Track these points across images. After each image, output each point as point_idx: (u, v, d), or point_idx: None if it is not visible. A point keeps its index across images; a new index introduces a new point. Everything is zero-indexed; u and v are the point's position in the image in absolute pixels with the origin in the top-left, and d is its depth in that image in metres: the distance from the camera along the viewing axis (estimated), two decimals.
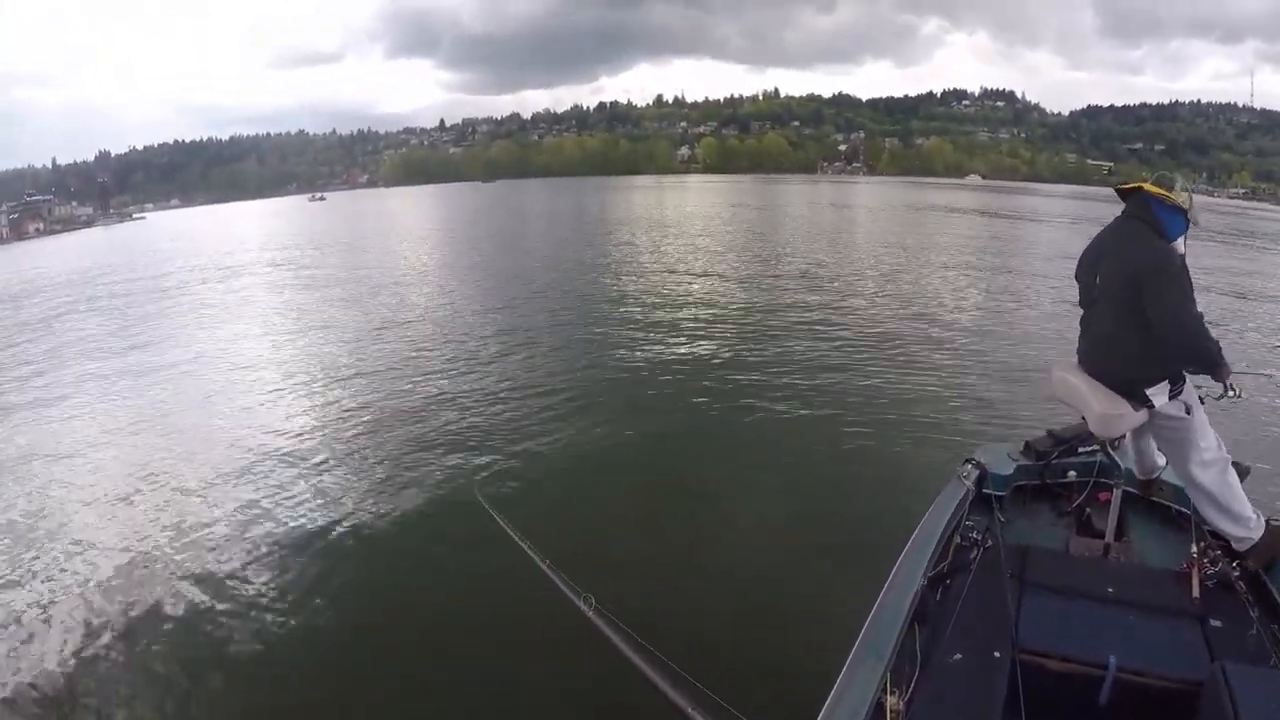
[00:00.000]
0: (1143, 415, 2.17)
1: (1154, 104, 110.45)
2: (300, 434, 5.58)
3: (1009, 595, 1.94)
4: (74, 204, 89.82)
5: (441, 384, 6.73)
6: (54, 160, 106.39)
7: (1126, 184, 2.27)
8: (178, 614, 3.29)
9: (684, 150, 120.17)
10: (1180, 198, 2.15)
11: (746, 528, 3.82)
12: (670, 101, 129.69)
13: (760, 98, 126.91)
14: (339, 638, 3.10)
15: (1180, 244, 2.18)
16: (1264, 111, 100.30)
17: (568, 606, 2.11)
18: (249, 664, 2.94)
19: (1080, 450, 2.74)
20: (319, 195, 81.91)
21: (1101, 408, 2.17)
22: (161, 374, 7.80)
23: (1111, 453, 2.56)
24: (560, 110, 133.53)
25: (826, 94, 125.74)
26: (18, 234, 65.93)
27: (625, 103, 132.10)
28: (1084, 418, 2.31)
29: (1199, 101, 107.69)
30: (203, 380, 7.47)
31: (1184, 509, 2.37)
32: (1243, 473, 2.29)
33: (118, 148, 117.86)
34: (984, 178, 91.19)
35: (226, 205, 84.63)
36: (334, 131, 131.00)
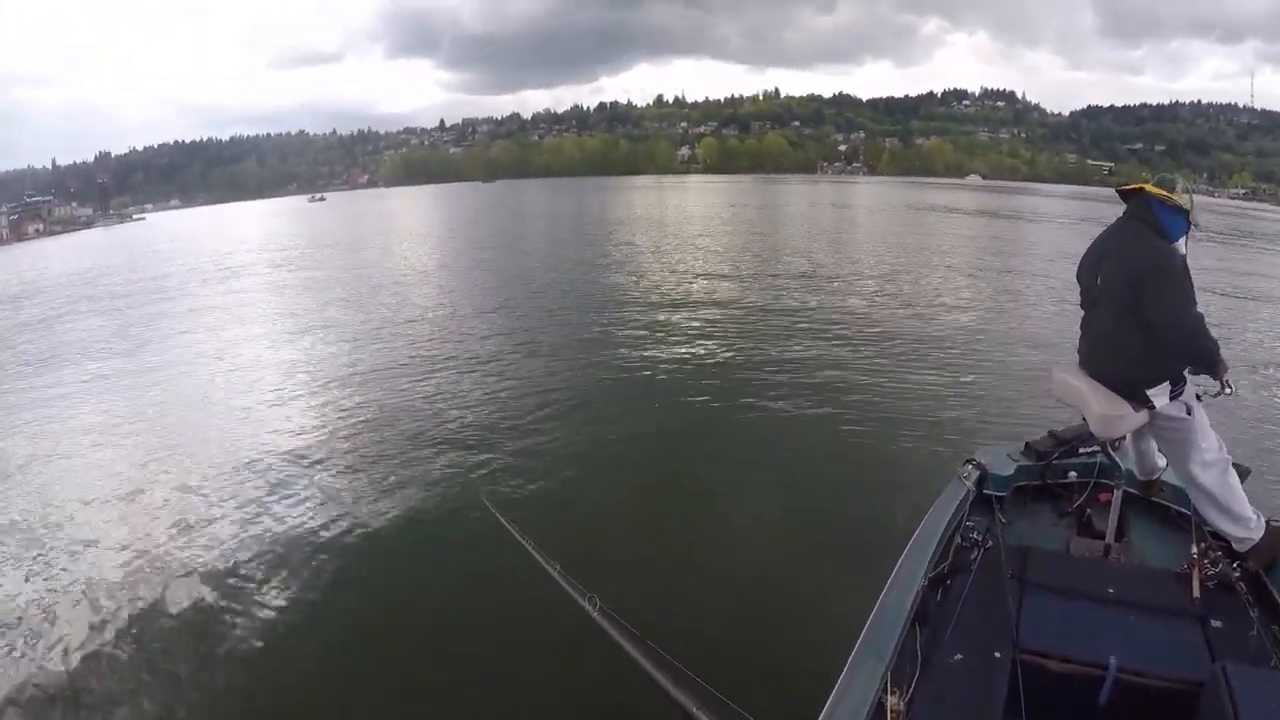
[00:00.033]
0: (1143, 416, 2.17)
1: (1154, 104, 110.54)
2: (301, 434, 5.58)
3: (1009, 596, 1.95)
4: (74, 205, 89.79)
5: (443, 384, 6.73)
6: (54, 161, 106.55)
7: (1128, 185, 2.28)
8: (177, 613, 3.29)
9: (684, 150, 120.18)
10: (1182, 199, 2.15)
11: (748, 528, 3.83)
12: (670, 101, 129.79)
13: (760, 98, 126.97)
14: (340, 638, 3.10)
15: (1181, 244, 2.18)
16: (1264, 112, 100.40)
17: (570, 606, 2.11)
18: (249, 663, 2.94)
19: (1081, 451, 2.74)
20: (319, 196, 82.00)
21: (1102, 408, 2.17)
22: (162, 375, 7.80)
23: (1112, 453, 2.56)
24: (560, 110, 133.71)
25: (827, 94, 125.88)
26: (17, 235, 65.97)
27: (625, 103, 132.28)
28: (1084, 418, 2.31)
29: (1199, 102, 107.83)
30: (203, 380, 7.47)
31: (1184, 510, 2.37)
32: (1243, 473, 2.29)
33: (118, 148, 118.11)
34: (984, 178, 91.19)
35: (226, 206, 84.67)
36: (334, 132, 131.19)
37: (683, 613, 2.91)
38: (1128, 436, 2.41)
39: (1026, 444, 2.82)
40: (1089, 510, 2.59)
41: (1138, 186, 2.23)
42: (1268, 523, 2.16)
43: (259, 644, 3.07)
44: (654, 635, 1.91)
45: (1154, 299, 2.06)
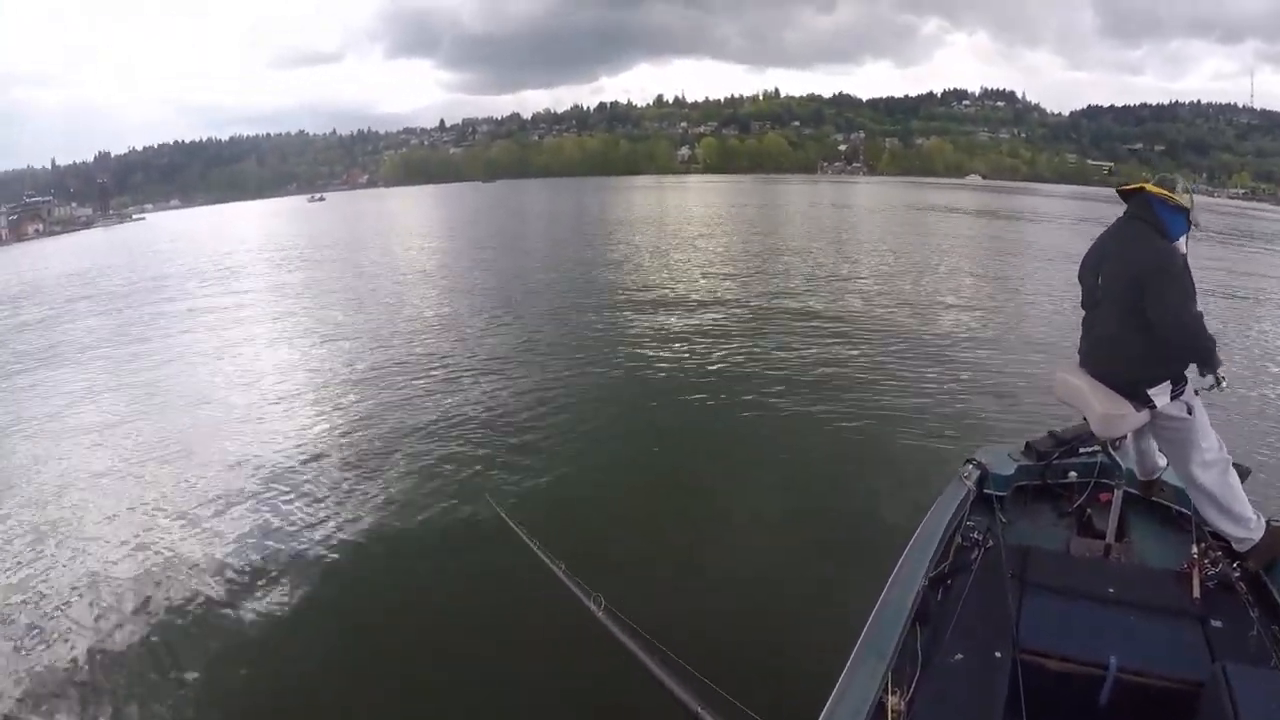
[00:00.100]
0: (1144, 416, 2.17)
1: (1154, 104, 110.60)
2: (302, 433, 5.58)
3: (1010, 595, 1.95)
4: (73, 205, 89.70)
5: (444, 383, 6.73)
6: (53, 161, 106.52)
7: (1128, 185, 2.28)
8: (176, 612, 3.29)
9: (684, 150, 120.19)
10: (1182, 198, 2.16)
11: (750, 527, 3.83)
12: (670, 101, 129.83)
13: (760, 98, 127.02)
14: (340, 637, 3.09)
15: (1182, 244, 2.18)
16: (1264, 112, 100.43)
17: (573, 606, 2.11)
18: (249, 662, 2.94)
19: (1081, 451, 2.75)
20: (318, 196, 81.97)
21: (1103, 408, 2.17)
22: (162, 375, 7.80)
23: (1112, 453, 2.57)
24: (560, 110, 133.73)
25: (826, 94, 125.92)
26: (17, 235, 65.90)
27: (625, 103, 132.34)
28: (1085, 418, 2.32)
29: (1199, 102, 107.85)
30: (203, 380, 7.47)
31: (1185, 509, 2.38)
32: (1243, 473, 2.30)
33: (117, 148, 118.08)
34: (984, 178, 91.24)
35: (226, 206, 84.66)
36: (334, 132, 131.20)
37: (686, 611, 2.91)
38: (1128, 436, 2.41)
39: (1027, 444, 2.82)
40: (1089, 510, 2.59)
41: (1138, 186, 2.23)
42: (1268, 523, 2.17)
43: (259, 643, 3.07)
44: (657, 634, 1.92)
45: (1156, 299, 2.06)
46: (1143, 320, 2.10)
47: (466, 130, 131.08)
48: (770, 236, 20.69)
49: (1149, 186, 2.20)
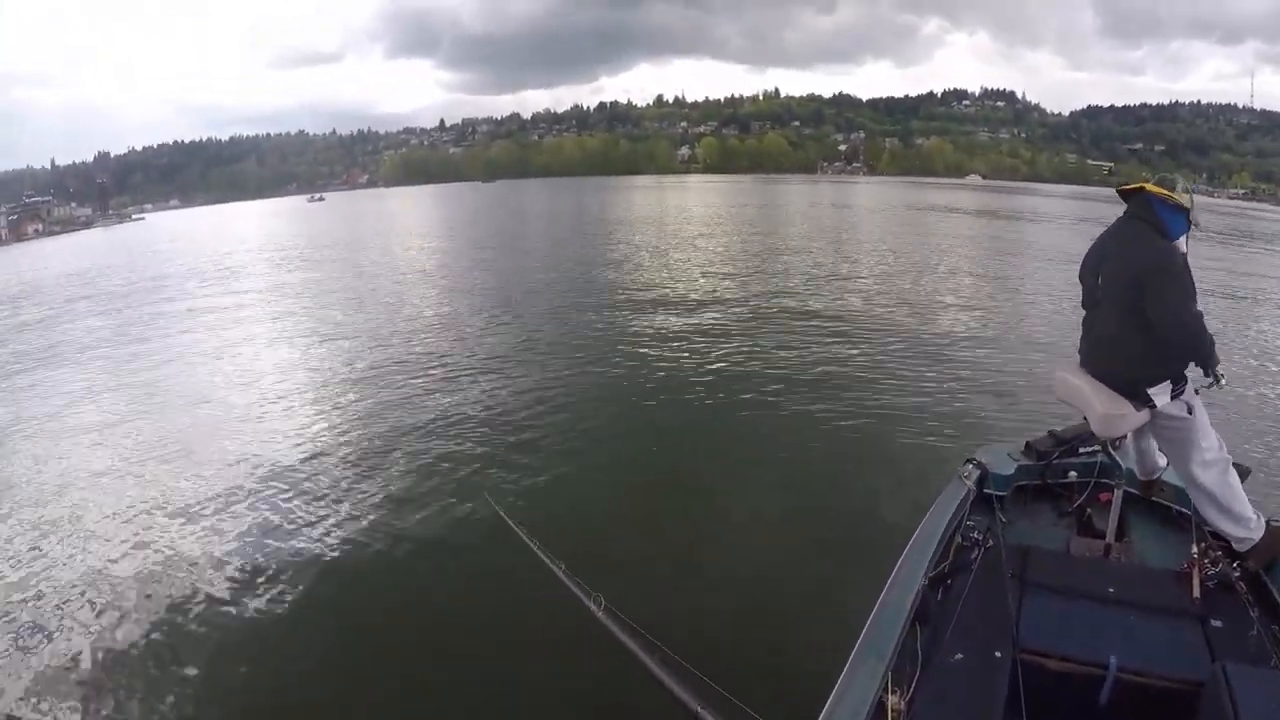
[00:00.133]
0: (1144, 415, 2.17)
1: (1154, 104, 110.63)
2: (301, 432, 5.58)
3: (1010, 595, 1.95)
4: (73, 205, 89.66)
5: (444, 383, 6.73)
6: (53, 161, 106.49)
7: (1128, 185, 2.28)
8: (176, 611, 3.29)
9: (684, 150, 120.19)
10: (1182, 198, 2.16)
11: (750, 526, 3.83)
12: (670, 101, 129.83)
13: (760, 98, 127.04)
14: (340, 637, 3.09)
15: (1182, 243, 2.18)
16: (1264, 112, 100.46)
17: (573, 605, 2.11)
18: (248, 662, 2.94)
19: (1081, 450, 2.75)
20: (318, 196, 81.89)
21: (1103, 408, 2.17)
22: (162, 374, 7.80)
23: (1112, 453, 2.57)
24: (560, 110, 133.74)
25: (827, 94, 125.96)
26: (16, 235, 65.87)
27: (625, 103, 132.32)
28: (1085, 418, 2.32)
29: (1199, 102, 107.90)
30: (203, 380, 7.46)
31: (1185, 509, 2.38)
32: (1243, 473, 2.30)
33: (117, 148, 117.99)
34: (984, 178, 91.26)
35: (226, 206, 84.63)
36: (334, 132, 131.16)
37: (686, 611, 2.91)
38: (1128, 436, 2.41)
39: (1027, 443, 2.82)
40: (1089, 510, 2.59)
41: (1138, 186, 2.23)
42: (1268, 523, 2.16)
43: (258, 642, 3.07)
44: (658, 633, 1.92)
45: (1156, 299, 2.06)
46: (1143, 320, 2.10)
47: (466, 130, 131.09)
48: (770, 236, 20.69)
49: (1149, 186, 2.20)
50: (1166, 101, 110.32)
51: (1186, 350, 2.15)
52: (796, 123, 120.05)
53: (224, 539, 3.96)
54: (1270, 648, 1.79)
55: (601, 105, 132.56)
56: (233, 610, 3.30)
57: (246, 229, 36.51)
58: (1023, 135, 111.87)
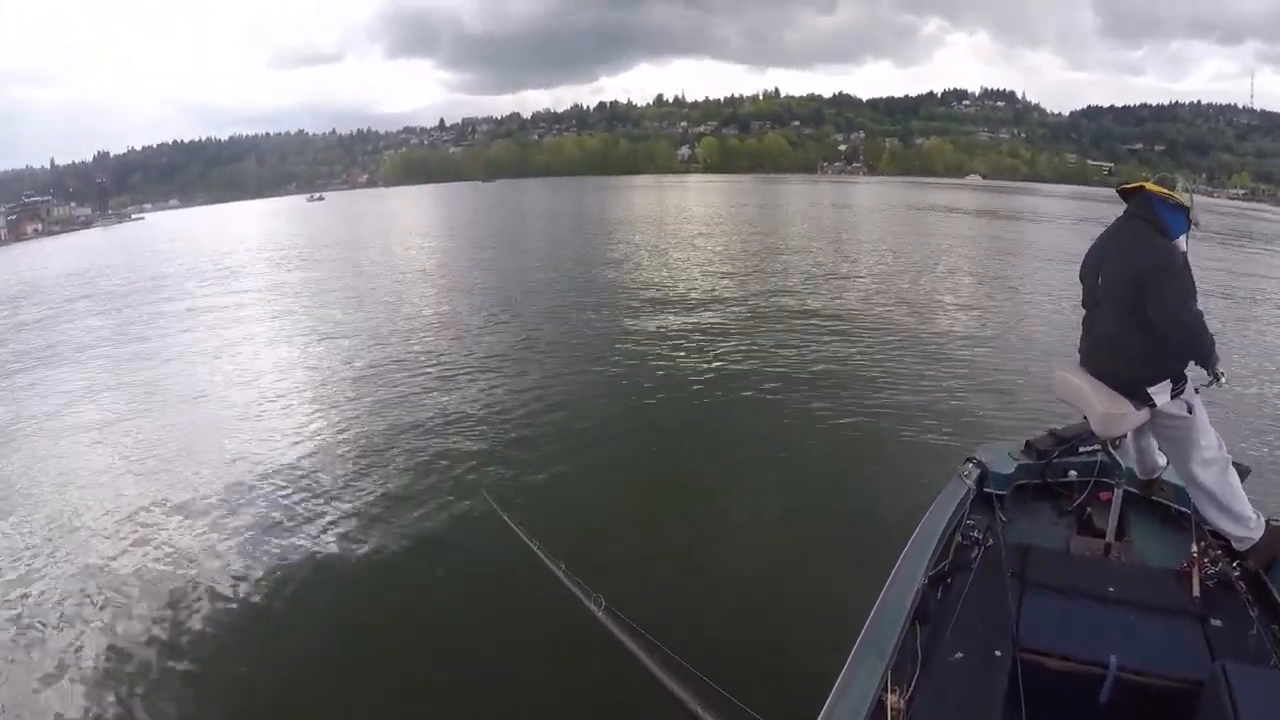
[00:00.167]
0: (1144, 414, 2.17)
1: (1154, 105, 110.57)
2: (301, 432, 5.58)
3: (1010, 594, 1.95)
4: (72, 205, 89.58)
5: (443, 383, 6.72)
6: (52, 161, 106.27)
7: (1128, 184, 2.28)
8: (174, 611, 3.29)
9: (684, 150, 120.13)
10: (1182, 197, 2.16)
11: (750, 526, 3.83)
12: (670, 101, 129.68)
13: (760, 97, 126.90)
14: (340, 637, 3.09)
15: (1182, 242, 2.18)
16: (1264, 113, 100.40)
17: (573, 606, 2.11)
18: (248, 662, 2.94)
19: (1081, 450, 2.75)
20: (317, 195, 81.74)
21: (1103, 407, 2.17)
22: (162, 374, 7.79)
23: (1112, 452, 2.57)
24: (560, 110, 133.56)
25: (827, 94, 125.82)
26: (16, 235, 65.84)
27: (625, 102, 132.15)
28: (1085, 417, 2.31)
29: (1199, 102, 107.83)
30: (202, 379, 7.46)
31: (1184, 509, 2.38)
32: (1243, 472, 2.30)
33: (116, 148, 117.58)
34: (984, 178, 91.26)
35: (225, 205, 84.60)
36: (334, 131, 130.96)
37: (686, 611, 2.91)
38: (1128, 435, 2.42)
39: (1027, 442, 2.82)
40: (1089, 509, 2.59)
41: (1138, 185, 2.23)
42: (1268, 522, 2.16)
43: (258, 641, 3.07)
44: (658, 634, 1.91)
45: (1156, 298, 2.06)
46: (1143, 319, 2.10)
47: (466, 130, 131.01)
48: (770, 236, 20.69)
49: (1149, 185, 2.20)
50: (1166, 102, 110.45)
51: (1186, 349, 2.15)
52: (796, 123, 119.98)
53: (223, 538, 3.95)
54: (1270, 647, 1.79)
55: (601, 105, 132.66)
56: (232, 609, 3.30)
57: (246, 229, 36.49)
58: (1023, 135, 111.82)
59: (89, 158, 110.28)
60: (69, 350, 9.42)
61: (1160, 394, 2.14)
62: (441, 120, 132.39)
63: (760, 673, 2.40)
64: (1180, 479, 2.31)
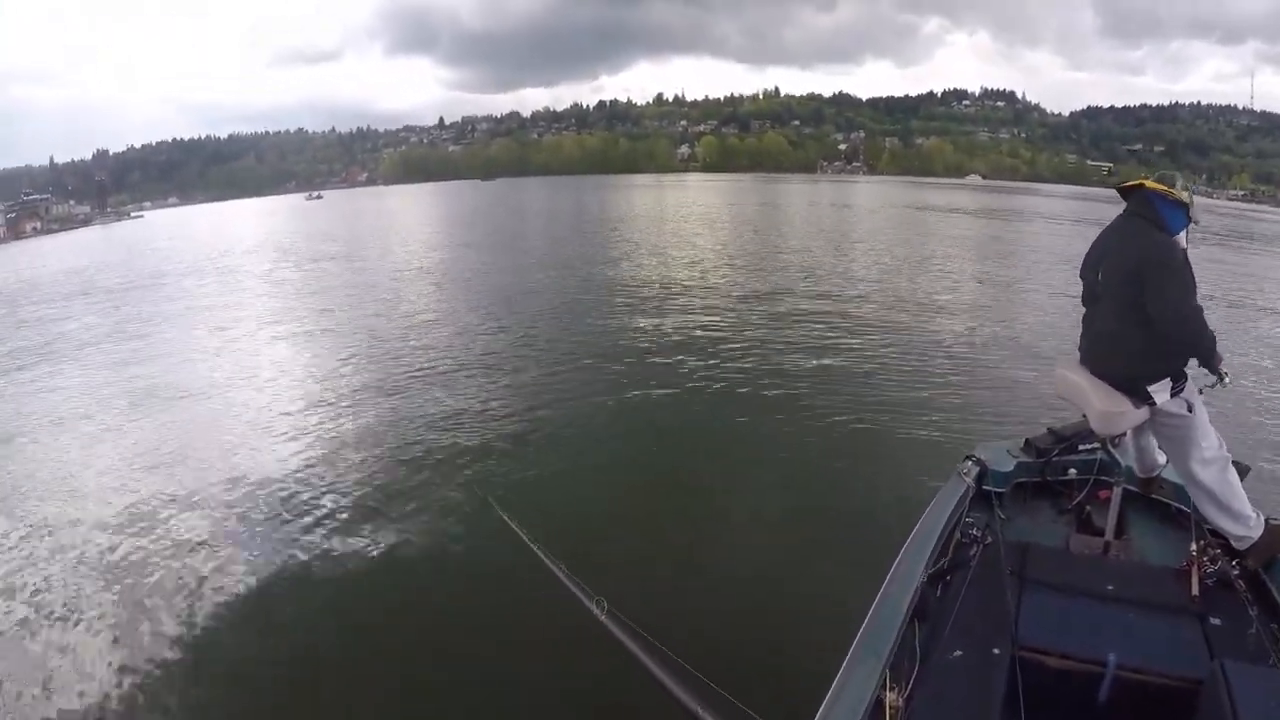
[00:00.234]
0: (1144, 413, 2.17)
1: (1154, 105, 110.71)
2: (300, 432, 5.57)
3: (1009, 592, 1.95)
4: (71, 203, 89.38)
5: (443, 383, 6.72)
6: (51, 159, 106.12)
7: (1128, 183, 2.28)
8: (172, 611, 3.28)
9: (684, 149, 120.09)
10: (1182, 194, 2.15)
11: (750, 526, 3.83)
12: (670, 100, 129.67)
13: (760, 96, 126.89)
14: (341, 637, 3.09)
15: (1182, 238, 2.18)
16: (1264, 114, 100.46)
17: (573, 607, 2.11)
18: (248, 661, 2.94)
19: (1081, 448, 2.75)
20: (316, 194, 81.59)
21: (1103, 405, 2.17)
22: (161, 372, 7.78)
23: (1112, 450, 2.57)
24: (560, 108, 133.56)
25: (827, 93, 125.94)
26: (15, 233, 65.62)
27: (625, 101, 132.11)
28: (1085, 415, 2.31)
29: (1199, 103, 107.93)
30: (202, 378, 7.44)
31: (1184, 507, 2.37)
32: (1243, 471, 2.29)
33: (116, 146, 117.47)
34: (984, 178, 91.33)
35: (224, 204, 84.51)
36: (333, 129, 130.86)
37: (686, 612, 2.91)
38: (1128, 433, 2.42)
39: (1026, 440, 2.82)
40: (1089, 507, 2.59)
41: (1138, 183, 2.23)
42: (1267, 521, 2.16)
43: (258, 641, 3.07)
44: (658, 634, 1.91)
45: (1156, 293, 2.06)
46: (1142, 315, 2.10)
47: (466, 128, 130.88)
48: (769, 235, 20.69)
49: (1148, 182, 2.20)
50: (1166, 102, 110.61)
51: (1186, 346, 2.14)
52: (796, 122, 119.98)
53: (223, 537, 3.95)
54: (1269, 646, 1.79)
55: (601, 104, 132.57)
56: (232, 608, 3.30)
57: (244, 227, 36.46)
58: (1023, 135, 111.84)
59: (88, 156, 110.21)
60: (68, 348, 9.41)
61: (1160, 392, 2.13)
62: (441, 119, 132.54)
63: (760, 673, 2.40)
64: (1180, 477, 2.31)
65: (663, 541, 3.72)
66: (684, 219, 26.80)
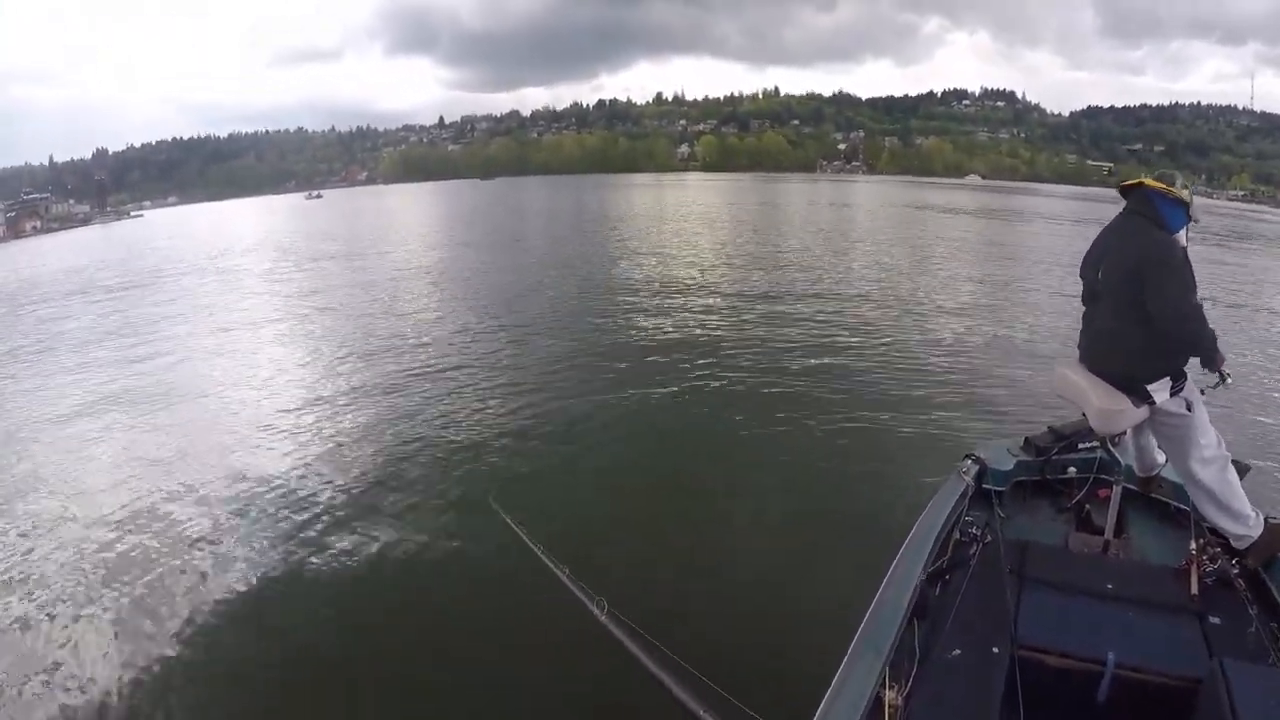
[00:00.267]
0: (1143, 412, 2.17)
1: (1154, 105, 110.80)
2: (301, 432, 5.56)
3: (1008, 591, 1.95)
4: (71, 202, 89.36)
5: (445, 384, 6.71)
6: (51, 158, 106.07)
7: (1128, 181, 2.28)
8: (171, 611, 3.28)
9: (683, 148, 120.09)
10: (1181, 192, 2.16)
11: (749, 526, 3.83)
12: (670, 99, 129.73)
13: (760, 96, 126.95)
14: (341, 638, 3.08)
15: (1182, 236, 2.18)
16: (1264, 114, 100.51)
17: (574, 608, 2.11)
18: (248, 662, 2.94)
19: (1080, 446, 2.75)
20: (315, 193, 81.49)
21: (1102, 404, 2.17)
22: (161, 371, 7.78)
23: (1111, 449, 2.57)
24: (560, 108, 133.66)
25: (826, 93, 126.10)
26: (15, 232, 65.52)
27: (625, 100, 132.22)
28: (1084, 414, 2.31)
29: (1199, 103, 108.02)
30: (202, 377, 7.44)
31: (1183, 506, 2.38)
32: (1242, 470, 2.30)
33: (116, 146, 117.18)
34: (984, 178, 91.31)
35: (224, 203, 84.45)
36: (333, 129, 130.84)
37: (687, 613, 2.91)
38: (1127, 432, 2.42)
39: (1026, 439, 2.83)
40: (1088, 506, 2.59)
41: (1138, 182, 2.23)
42: (1266, 520, 2.16)
43: (258, 641, 3.06)
44: (660, 636, 1.91)
45: (1156, 291, 2.06)
46: (1142, 313, 2.10)
47: (465, 127, 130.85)
48: (769, 235, 20.68)
49: (1148, 181, 2.20)
50: (1166, 102, 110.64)
51: (1186, 344, 2.14)
52: (796, 121, 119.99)
53: (223, 537, 3.95)
54: (1268, 645, 1.79)
55: (601, 103, 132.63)
56: (232, 608, 3.29)
57: (244, 226, 36.43)
58: (1022, 135, 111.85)
59: (88, 155, 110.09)
60: (67, 347, 9.40)
61: (1160, 391, 2.14)
62: (440, 118, 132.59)
63: (760, 674, 2.40)
64: (1179, 476, 2.31)
65: (664, 543, 3.72)
66: (683, 218, 26.79)
